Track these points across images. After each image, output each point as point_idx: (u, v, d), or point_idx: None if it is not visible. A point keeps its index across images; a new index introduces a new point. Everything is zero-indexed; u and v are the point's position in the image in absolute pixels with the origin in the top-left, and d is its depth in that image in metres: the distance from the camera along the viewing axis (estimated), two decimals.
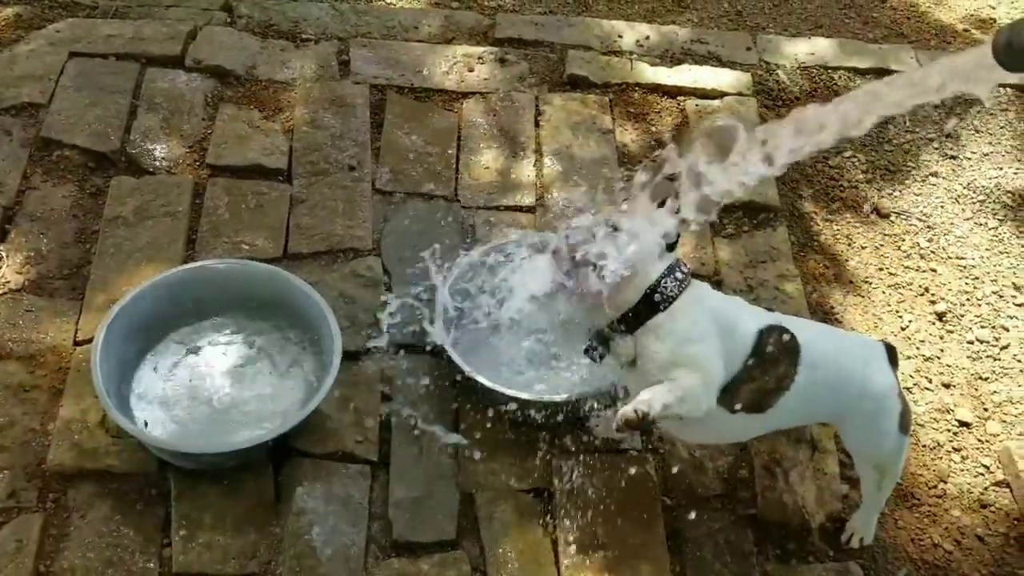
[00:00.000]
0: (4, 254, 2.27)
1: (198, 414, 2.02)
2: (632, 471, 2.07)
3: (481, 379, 2.04)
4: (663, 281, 1.72)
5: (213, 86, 2.76)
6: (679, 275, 1.74)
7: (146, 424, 1.97)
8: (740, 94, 2.96)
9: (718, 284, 2.47)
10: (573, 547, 1.96)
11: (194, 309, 2.15)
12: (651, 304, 1.72)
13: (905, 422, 1.89)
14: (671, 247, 1.74)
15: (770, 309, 2.08)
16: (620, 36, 3.12)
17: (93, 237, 2.33)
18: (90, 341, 2.07)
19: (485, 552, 1.94)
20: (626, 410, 1.65)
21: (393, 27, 3.07)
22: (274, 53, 2.90)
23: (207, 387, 2.08)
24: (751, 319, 1.81)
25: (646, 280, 1.72)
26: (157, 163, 2.53)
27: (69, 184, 2.45)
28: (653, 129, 2.83)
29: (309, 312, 2.11)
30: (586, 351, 1.82)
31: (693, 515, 2.04)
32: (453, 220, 2.52)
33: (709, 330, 1.74)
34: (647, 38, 3.12)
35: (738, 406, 1.78)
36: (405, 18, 3.11)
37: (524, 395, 2.03)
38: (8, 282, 2.21)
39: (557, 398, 2.07)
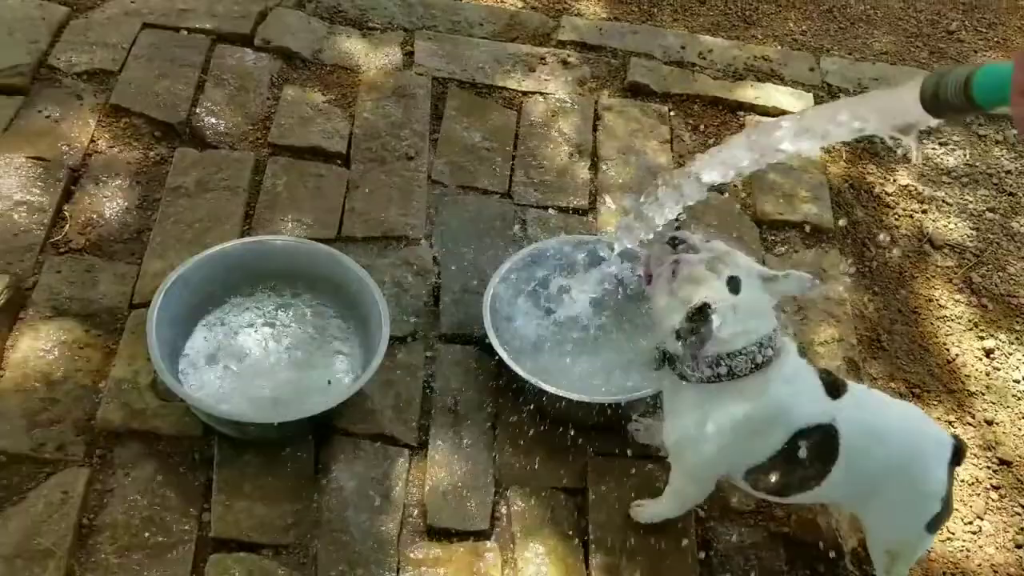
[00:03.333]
0: (68, 215, 2.32)
1: (245, 384, 2.05)
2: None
3: (524, 374, 2.05)
4: (688, 365, 1.70)
5: (279, 67, 2.81)
6: (723, 369, 1.67)
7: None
8: None
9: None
10: (603, 550, 1.96)
11: (248, 282, 2.18)
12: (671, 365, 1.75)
13: (937, 523, 1.82)
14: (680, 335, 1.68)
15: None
16: (683, 47, 3.12)
17: (154, 204, 2.38)
18: (145, 305, 2.11)
19: (516, 546, 1.95)
20: (645, 513, 1.97)
21: (459, 22, 3.09)
22: (340, 39, 2.93)
23: (255, 359, 2.11)
24: (796, 416, 1.72)
25: (659, 336, 1.73)
26: (220, 138, 2.58)
27: (135, 151, 2.50)
28: (711, 142, 2.83)
29: (360, 295, 2.14)
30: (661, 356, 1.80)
31: (725, 529, 2.03)
32: (505, 216, 2.54)
33: (721, 437, 1.71)
34: (710, 51, 3.12)
35: (759, 489, 1.80)
36: (471, 14, 3.14)
37: (570, 395, 2.04)
38: (70, 241, 2.26)
39: (601, 400, 2.07)
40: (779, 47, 3.30)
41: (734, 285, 1.67)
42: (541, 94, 2.88)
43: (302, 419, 1.94)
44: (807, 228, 2.64)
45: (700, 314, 1.63)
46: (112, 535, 1.84)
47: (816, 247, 2.62)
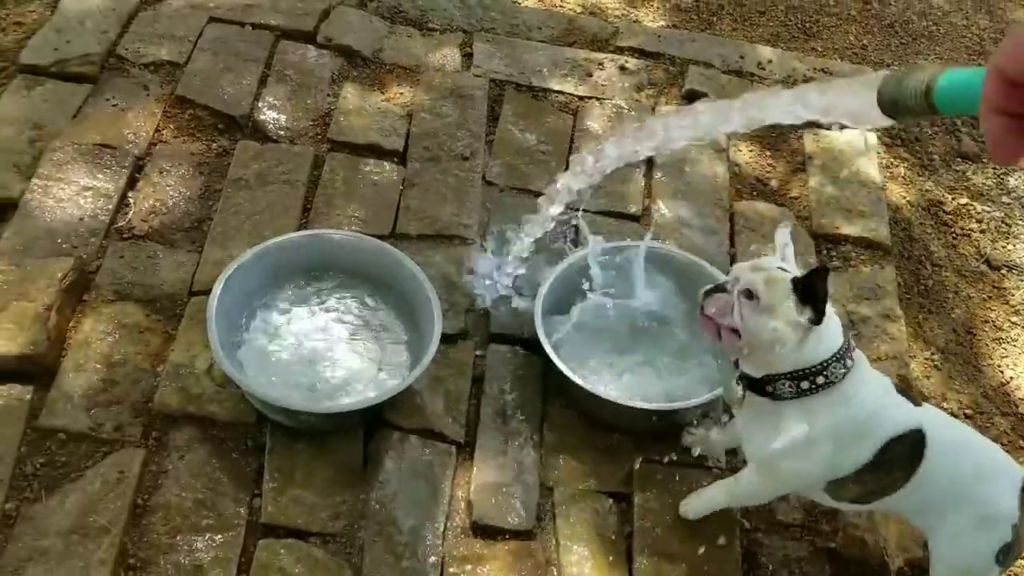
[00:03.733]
0: (132, 202, 2.37)
1: (299, 374, 2.08)
2: None
3: (575, 378, 2.05)
4: (780, 379, 1.66)
5: (340, 64, 2.84)
6: (805, 383, 1.65)
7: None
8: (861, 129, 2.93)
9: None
10: (646, 556, 1.96)
11: (305, 274, 2.22)
12: (761, 390, 1.69)
13: (1007, 555, 1.76)
14: (815, 320, 1.63)
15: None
16: (742, 57, 3.11)
17: (215, 195, 2.42)
18: (204, 292, 2.16)
19: (560, 548, 1.95)
20: (691, 506, 1.98)
21: (517, 25, 3.11)
22: (401, 39, 2.97)
23: (310, 349, 2.13)
24: (887, 423, 1.71)
25: (765, 367, 1.68)
26: (281, 132, 2.62)
27: (198, 142, 2.55)
28: (768, 154, 2.81)
29: (413, 291, 2.16)
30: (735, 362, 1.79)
31: (771, 541, 2.02)
32: (558, 220, 2.54)
33: (822, 445, 1.69)
34: (769, 61, 3.11)
35: (839, 498, 1.79)
36: (530, 18, 3.15)
37: (621, 401, 2.04)
38: (134, 228, 2.31)
39: (653, 407, 2.07)
40: (839, 60, 3.27)
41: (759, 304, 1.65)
42: (598, 99, 2.88)
43: (354, 410, 1.96)
44: (864, 243, 2.61)
45: (816, 318, 1.61)
46: (165, 516, 1.87)
47: (872, 263, 2.59)
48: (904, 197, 2.84)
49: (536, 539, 1.96)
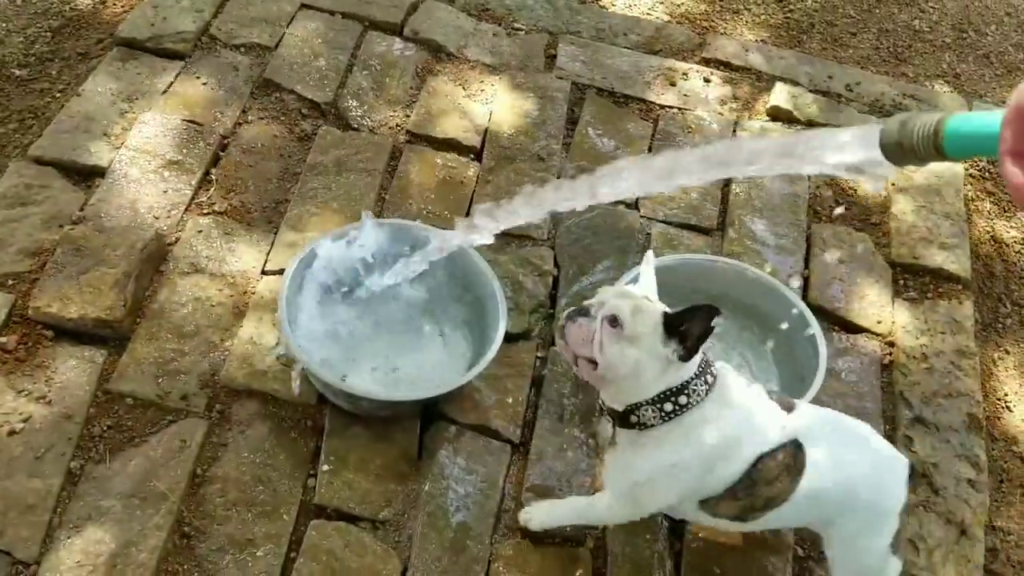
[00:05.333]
0: (214, 179, 2.42)
1: (362, 360, 2.10)
2: None
3: None
4: (643, 407, 1.61)
5: (424, 58, 2.87)
6: (668, 405, 1.59)
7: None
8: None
9: (890, 345, 2.39)
10: (696, 573, 1.93)
11: (378, 263, 2.23)
12: (626, 422, 1.64)
13: (900, 542, 1.76)
14: (683, 358, 1.58)
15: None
16: (830, 77, 3.05)
17: (294, 178, 2.46)
18: (276, 272, 2.20)
19: (608, 557, 1.93)
20: (535, 518, 1.90)
21: (603, 30, 3.10)
22: (486, 36, 2.98)
23: (374, 337, 2.15)
24: (757, 438, 1.65)
25: (627, 396, 1.62)
26: (362, 121, 2.65)
27: (281, 126, 2.59)
28: (851, 177, 2.74)
29: (481, 288, 2.16)
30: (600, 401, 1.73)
31: (823, 571, 1.97)
32: (631, 228, 2.53)
33: (686, 470, 1.63)
34: (858, 83, 3.04)
35: (718, 515, 1.72)
36: (617, 23, 3.14)
37: None
38: (214, 204, 2.36)
39: None
40: (930, 88, 3.18)
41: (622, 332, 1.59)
42: (680, 109, 2.86)
43: (411, 401, 1.97)
44: (943, 276, 2.54)
45: (685, 356, 1.57)
46: (222, 488, 1.91)
47: (950, 297, 2.52)
48: (988, 232, 2.76)
49: (585, 546, 1.95)
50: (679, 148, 1.38)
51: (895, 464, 1.75)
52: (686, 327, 1.55)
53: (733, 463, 1.64)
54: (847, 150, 1.15)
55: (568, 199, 1.74)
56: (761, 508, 1.69)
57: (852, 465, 1.72)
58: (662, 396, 1.60)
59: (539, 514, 1.90)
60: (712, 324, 1.53)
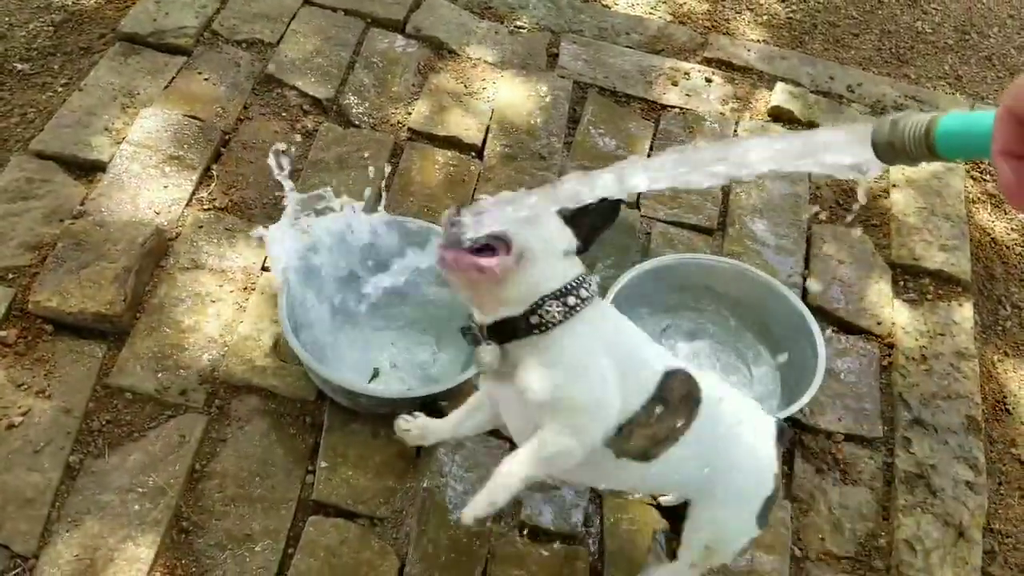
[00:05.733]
0: (215, 174, 2.42)
1: (360, 356, 2.11)
2: None
3: None
4: (547, 303, 1.45)
5: (426, 55, 2.87)
6: (571, 299, 1.46)
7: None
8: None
9: (889, 347, 2.39)
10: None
11: (377, 258, 2.22)
12: (527, 324, 1.45)
13: (769, 510, 1.66)
14: (581, 248, 1.49)
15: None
16: (832, 77, 3.05)
17: (295, 174, 2.46)
18: None
19: (605, 555, 1.94)
20: (478, 503, 1.52)
21: (606, 29, 3.10)
22: (488, 34, 2.98)
23: (374, 333, 2.16)
24: (659, 352, 1.58)
25: (532, 290, 1.45)
26: (364, 118, 2.65)
27: (282, 121, 2.59)
28: (851, 177, 2.74)
29: None
30: (463, 331, 1.55)
31: (820, 572, 1.97)
32: (632, 227, 2.53)
33: (603, 364, 1.47)
34: (859, 84, 3.04)
35: (626, 451, 1.54)
36: (619, 22, 3.14)
37: None
38: (215, 199, 2.37)
39: None
40: (932, 89, 3.18)
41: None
42: (681, 109, 2.86)
43: (413, 398, 1.97)
44: (943, 277, 2.54)
45: (583, 247, 1.49)
46: (220, 483, 1.91)
47: (950, 298, 2.52)
48: (988, 234, 2.76)
49: (583, 546, 1.95)
50: (679, 148, 1.34)
51: (766, 421, 1.68)
52: (584, 219, 1.48)
53: (645, 374, 1.53)
54: (838, 150, 1.14)
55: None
56: (663, 439, 1.55)
57: (731, 412, 1.63)
58: (566, 289, 1.47)
59: (499, 483, 1.55)
60: (610, 218, 1.46)
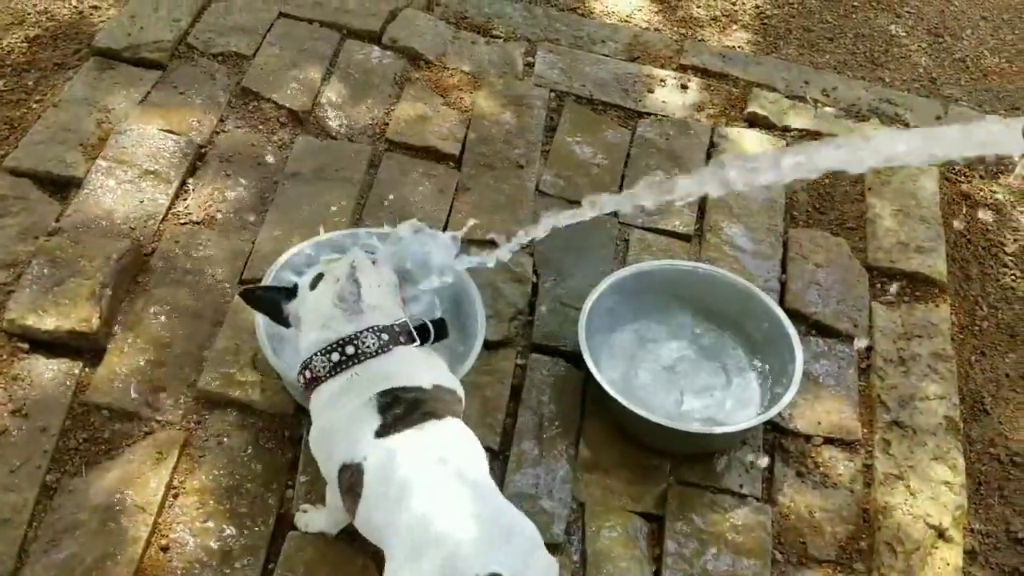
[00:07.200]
0: (191, 188, 2.41)
1: None
2: (748, 517, 2.03)
3: (619, 396, 2.03)
4: (314, 358, 1.66)
5: (403, 66, 2.87)
6: (335, 356, 1.64)
7: None
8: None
9: (867, 349, 2.40)
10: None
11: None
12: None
13: None
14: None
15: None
16: (807, 82, 3.07)
17: (272, 187, 2.46)
18: (254, 281, 2.19)
19: (587, 564, 1.93)
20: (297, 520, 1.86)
21: (582, 37, 3.11)
22: (465, 44, 2.98)
23: None
24: (354, 446, 1.61)
25: (308, 342, 1.70)
26: (341, 129, 2.65)
27: (259, 134, 2.59)
28: (827, 181, 2.77)
29: (461, 295, 2.16)
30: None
31: (802, 575, 1.98)
32: (608, 234, 2.53)
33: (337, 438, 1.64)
34: (834, 88, 3.06)
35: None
36: (595, 30, 3.15)
37: (660, 420, 2.02)
38: (191, 214, 2.36)
39: (689, 428, 2.05)
40: (906, 92, 3.21)
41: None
42: (657, 116, 2.87)
43: None
44: (919, 279, 2.56)
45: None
46: (199, 499, 1.90)
47: (927, 300, 2.54)
48: (964, 236, 2.78)
49: (563, 553, 1.95)
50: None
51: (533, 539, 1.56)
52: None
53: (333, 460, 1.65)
54: (993, 142, 1.19)
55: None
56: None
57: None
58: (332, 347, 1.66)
59: (302, 519, 1.88)
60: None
